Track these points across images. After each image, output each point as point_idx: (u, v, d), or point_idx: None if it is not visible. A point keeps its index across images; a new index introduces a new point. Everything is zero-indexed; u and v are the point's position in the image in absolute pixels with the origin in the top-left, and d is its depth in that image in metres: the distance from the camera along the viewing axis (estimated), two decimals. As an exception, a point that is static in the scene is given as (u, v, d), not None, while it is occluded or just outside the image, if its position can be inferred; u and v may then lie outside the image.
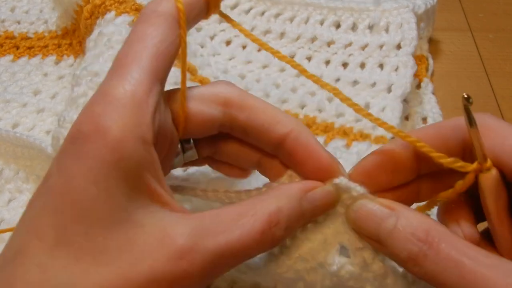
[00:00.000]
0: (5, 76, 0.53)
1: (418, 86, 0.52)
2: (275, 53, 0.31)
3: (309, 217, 0.28)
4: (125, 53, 0.26)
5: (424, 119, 0.50)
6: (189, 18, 0.27)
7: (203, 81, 0.48)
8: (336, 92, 0.30)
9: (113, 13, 0.46)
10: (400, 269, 0.29)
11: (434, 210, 0.31)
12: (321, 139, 0.45)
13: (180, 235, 0.24)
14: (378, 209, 0.27)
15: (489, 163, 0.27)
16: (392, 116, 0.46)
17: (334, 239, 0.29)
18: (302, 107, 0.47)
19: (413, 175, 0.30)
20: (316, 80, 0.30)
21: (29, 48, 0.55)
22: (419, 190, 0.31)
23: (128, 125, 0.24)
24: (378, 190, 0.29)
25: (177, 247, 0.23)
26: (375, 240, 0.28)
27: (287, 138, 0.29)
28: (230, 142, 0.31)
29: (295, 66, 0.31)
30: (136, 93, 0.24)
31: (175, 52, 0.27)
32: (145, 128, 0.24)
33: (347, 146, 0.44)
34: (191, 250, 0.23)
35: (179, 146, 0.30)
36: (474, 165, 0.27)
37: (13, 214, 0.43)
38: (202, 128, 0.29)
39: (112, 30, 0.44)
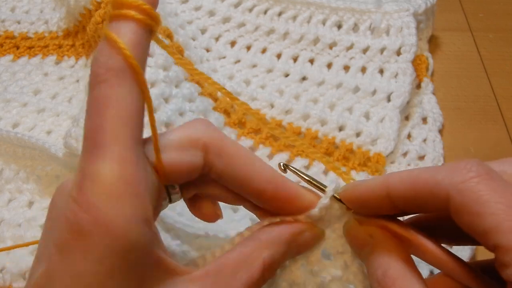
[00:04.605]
0: (5, 76, 0.53)
1: (418, 86, 0.53)
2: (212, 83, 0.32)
3: (294, 254, 0.31)
4: (95, 125, 0.24)
5: (424, 119, 0.51)
6: (143, 58, 0.26)
7: (212, 94, 0.49)
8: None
9: None
10: None
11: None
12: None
13: None
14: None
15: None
16: (390, 126, 0.47)
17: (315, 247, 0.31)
18: (305, 119, 0.49)
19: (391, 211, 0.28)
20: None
21: (29, 48, 0.55)
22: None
23: (129, 211, 0.23)
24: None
25: None
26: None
27: (266, 189, 0.29)
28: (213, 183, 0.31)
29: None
30: (126, 174, 0.24)
31: (142, 106, 0.26)
32: (145, 208, 0.24)
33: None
34: None
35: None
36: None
37: (13, 214, 0.43)
38: (183, 175, 0.29)
39: None
